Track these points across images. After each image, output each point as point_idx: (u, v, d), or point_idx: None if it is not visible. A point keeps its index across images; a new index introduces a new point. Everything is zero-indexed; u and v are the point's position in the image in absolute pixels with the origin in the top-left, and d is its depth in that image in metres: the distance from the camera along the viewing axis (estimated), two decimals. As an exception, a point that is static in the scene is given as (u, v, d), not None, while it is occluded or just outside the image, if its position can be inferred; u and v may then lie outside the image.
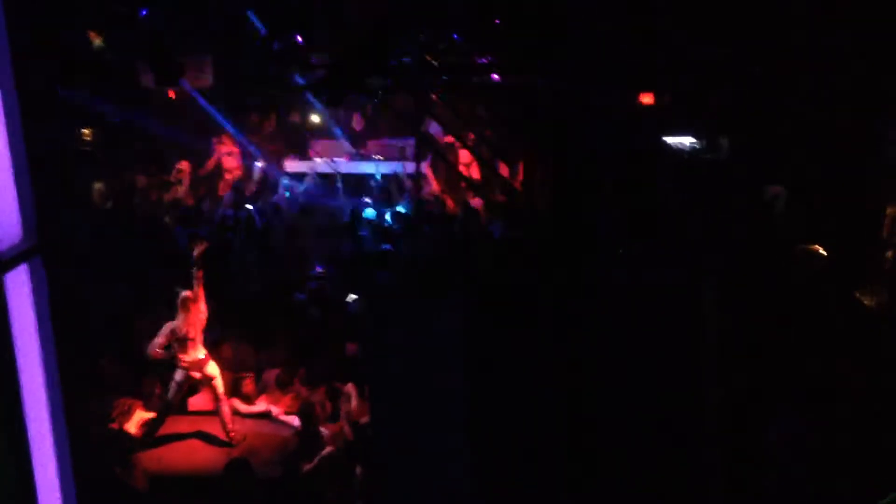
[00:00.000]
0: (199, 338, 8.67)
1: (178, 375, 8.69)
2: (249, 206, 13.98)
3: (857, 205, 9.63)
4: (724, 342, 6.50)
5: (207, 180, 15.60)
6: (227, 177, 15.58)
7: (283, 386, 9.30)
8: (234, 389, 9.31)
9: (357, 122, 18.09)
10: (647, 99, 11.32)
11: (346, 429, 8.34)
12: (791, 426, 6.96)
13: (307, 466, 7.99)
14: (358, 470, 7.81)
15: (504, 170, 15.26)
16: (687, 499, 6.49)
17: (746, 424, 6.84)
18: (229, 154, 15.78)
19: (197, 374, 8.67)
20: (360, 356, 8.92)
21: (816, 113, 9.89)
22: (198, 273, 8.59)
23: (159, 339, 8.56)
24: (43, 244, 4.04)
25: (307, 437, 8.38)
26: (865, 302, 8.65)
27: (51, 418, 4.02)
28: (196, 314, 8.60)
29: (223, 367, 9.34)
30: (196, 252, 8.59)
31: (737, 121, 10.85)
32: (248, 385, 9.36)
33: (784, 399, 7.19)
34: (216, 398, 8.78)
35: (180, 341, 8.58)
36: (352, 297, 10.48)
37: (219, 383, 8.77)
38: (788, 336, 7.67)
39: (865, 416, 7.06)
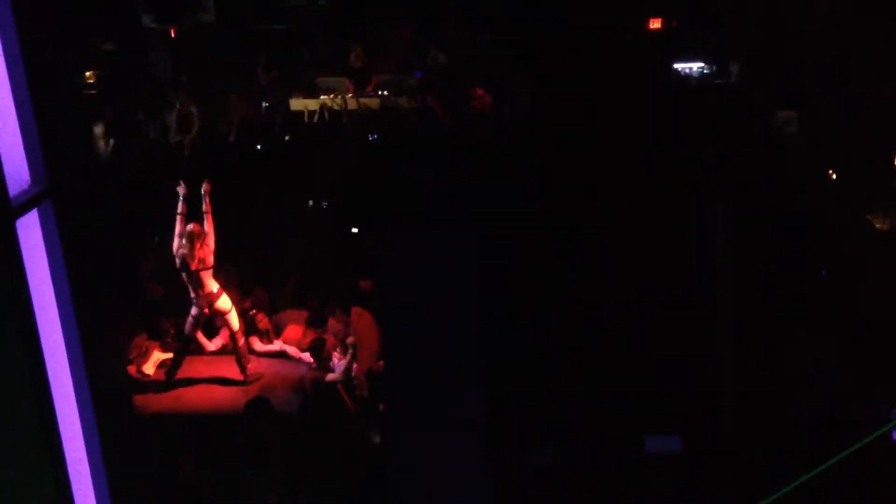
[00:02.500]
0: (210, 271, 8.72)
1: (193, 310, 8.78)
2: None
3: (870, 128, 9.51)
4: (737, 268, 6.50)
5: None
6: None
7: (313, 324, 9.37)
8: (249, 327, 9.37)
9: (356, 59, 17.82)
10: (655, 24, 11.12)
11: (354, 364, 8.47)
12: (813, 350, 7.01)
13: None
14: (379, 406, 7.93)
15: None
16: (700, 425, 6.57)
17: (761, 352, 6.88)
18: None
19: (207, 310, 8.74)
20: (373, 289, 8.95)
21: (829, 35, 9.71)
22: (206, 208, 8.63)
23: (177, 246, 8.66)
24: (53, 188, 4.03)
25: (320, 370, 8.51)
26: (877, 225, 8.62)
27: (69, 362, 4.06)
28: (204, 248, 8.64)
29: (235, 303, 9.39)
30: (204, 190, 8.63)
31: (747, 45, 10.66)
32: (262, 321, 9.43)
33: (801, 325, 7.22)
34: (231, 334, 8.86)
35: (191, 275, 8.63)
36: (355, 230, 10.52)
37: (233, 317, 8.84)
38: (800, 260, 7.66)
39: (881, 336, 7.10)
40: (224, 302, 8.79)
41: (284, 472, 7.29)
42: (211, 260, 8.70)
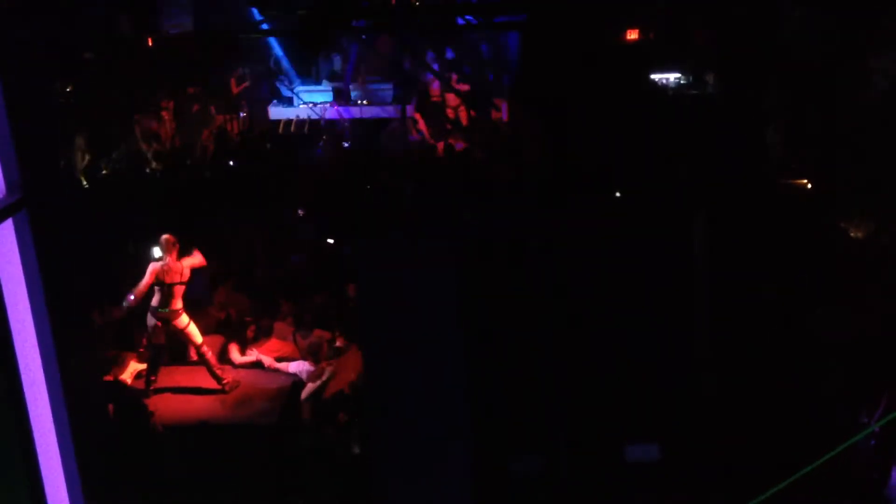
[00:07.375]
0: (179, 288, 8.59)
1: (150, 320, 8.66)
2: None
3: (845, 137, 9.61)
4: (715, 277, 6.55)
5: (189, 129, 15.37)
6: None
7: (267, 333, 9.36)
8: (236, 335, 9.33)
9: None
10: (632, 35, 11.21)
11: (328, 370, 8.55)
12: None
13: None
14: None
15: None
16: (683, 431, 6.61)
17: (741, 359, 6.93)
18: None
19: (160, 323, 8.62)
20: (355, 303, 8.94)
21: (803, 45, 9.82)
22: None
23: (144, 280, 8.53)
24: (28, 198, 4.00)
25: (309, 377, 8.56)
26: (852, 233, 8.71)
27: (44, 370, 4.03)
28: (178, 264, 8.55)
29: (216, 311, 9.31)
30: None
31: (723, 56, 10.77)
32: (251, 330, 9.41)
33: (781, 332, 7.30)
34: (196, 348, 8.74)
35: (160, 285, 8.53)
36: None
37: (192, 331, 8.77)
38: (779, 267, 7.74)
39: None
40: (182, 320, 8.67)
41: (264, 482, 7.25)
42: (179, 277, 8.58)
